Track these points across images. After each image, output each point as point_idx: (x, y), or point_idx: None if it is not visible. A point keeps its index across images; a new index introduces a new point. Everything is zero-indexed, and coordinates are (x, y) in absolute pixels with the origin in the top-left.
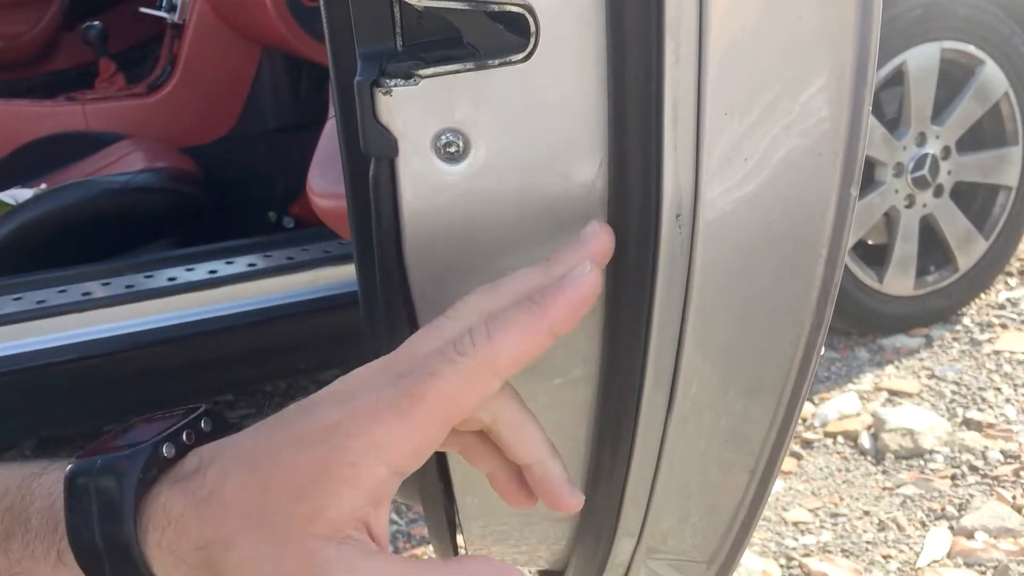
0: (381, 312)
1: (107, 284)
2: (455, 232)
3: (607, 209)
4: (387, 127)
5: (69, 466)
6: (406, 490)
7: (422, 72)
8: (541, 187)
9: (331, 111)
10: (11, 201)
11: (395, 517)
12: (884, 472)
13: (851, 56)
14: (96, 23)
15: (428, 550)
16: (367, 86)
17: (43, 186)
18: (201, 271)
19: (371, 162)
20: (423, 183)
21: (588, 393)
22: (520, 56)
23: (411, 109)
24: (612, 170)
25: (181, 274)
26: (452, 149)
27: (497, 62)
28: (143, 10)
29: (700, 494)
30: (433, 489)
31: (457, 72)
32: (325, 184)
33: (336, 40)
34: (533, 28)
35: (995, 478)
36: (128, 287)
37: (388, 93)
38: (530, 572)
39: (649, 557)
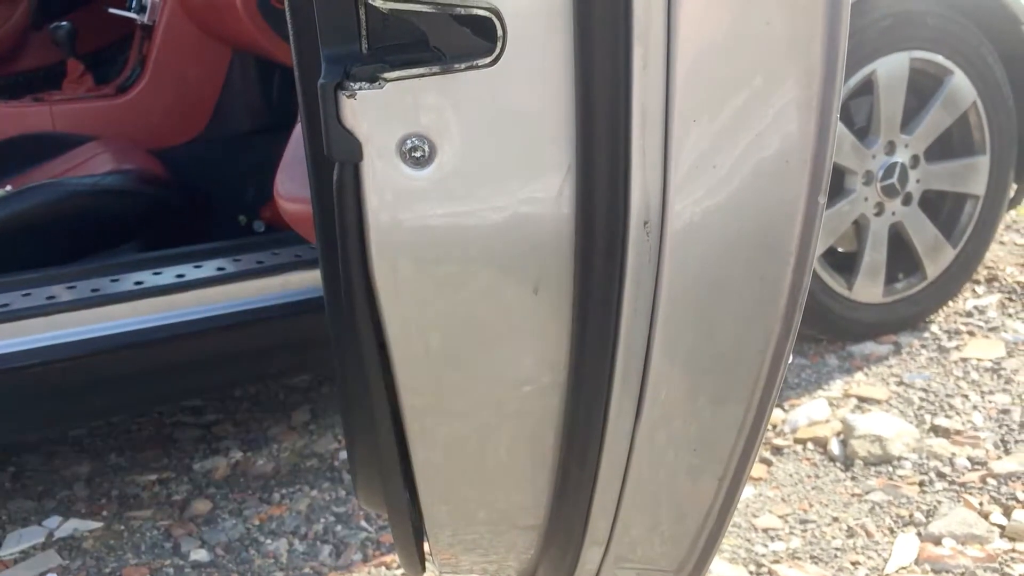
0: (345, 317)
1: (72, 287)
2: (421, 238)
3: (574, 215)
4: (351, 131)
5: None
6: (372, 498)
7: (387, 75)
8: (508, 193)
9: None
10: None
11: (364, 524)
12: (853, 478)
13: (819, 63)
14: (65, 23)
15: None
16: (331, 89)
17: (9, 188)
18: (169, 275)
19: (335, 166)
20: (388, 188)
21: (556, 401)
22: (487, 60)
23: (376, 113)
24: (580, 176)
25: (148, 278)
26: (417, 154)
27: (463, 66)
28: (113, 11)
29: (668, 502)
30: (398, 498)
31: (422, 76)
32: (292, 188)
33: (300, 42)
34: (500, 32)
35: (962, 484)
36: (94, 291)
37: (352, 96)
38: None
39: (617, 566)
